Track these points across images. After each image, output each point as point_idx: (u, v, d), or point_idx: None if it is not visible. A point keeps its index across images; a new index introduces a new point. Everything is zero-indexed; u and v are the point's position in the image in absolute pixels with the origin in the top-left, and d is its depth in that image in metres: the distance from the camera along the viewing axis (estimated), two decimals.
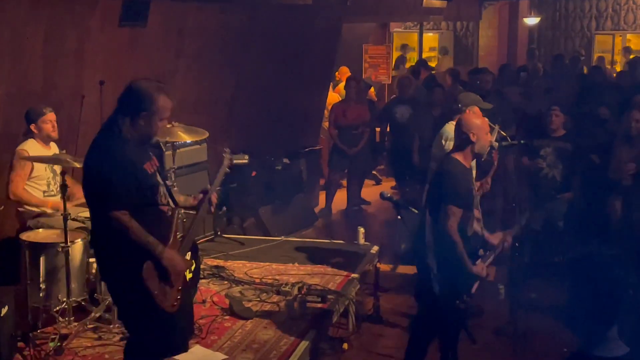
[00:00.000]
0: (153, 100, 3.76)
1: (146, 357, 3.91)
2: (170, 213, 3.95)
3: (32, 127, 5.62)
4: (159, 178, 3.92)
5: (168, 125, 6.11)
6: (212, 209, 4.26)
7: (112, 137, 3.77)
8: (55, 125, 5.69)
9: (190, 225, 4.17)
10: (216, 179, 4.32)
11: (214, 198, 4.18)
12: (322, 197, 9.93)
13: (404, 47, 16.03)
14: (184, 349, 4.06)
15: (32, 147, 5.58)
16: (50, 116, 5.67)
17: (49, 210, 5.61)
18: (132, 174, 3.72)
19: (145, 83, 3.85)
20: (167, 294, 3.80)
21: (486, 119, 4.74)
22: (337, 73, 12.23)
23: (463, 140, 4.56)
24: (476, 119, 4.66)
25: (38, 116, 5.62)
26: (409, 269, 6.63)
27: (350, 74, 11.71)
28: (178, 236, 4.00)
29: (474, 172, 5.28)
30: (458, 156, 4.57)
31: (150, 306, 3.75)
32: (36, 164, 5.58)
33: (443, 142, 6.19)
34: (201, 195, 4.17)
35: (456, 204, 4.41)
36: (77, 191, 5.63)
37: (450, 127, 6.06)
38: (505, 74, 11.64)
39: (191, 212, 4.34)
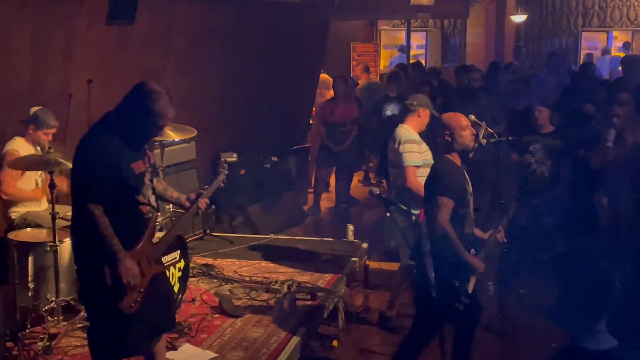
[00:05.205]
0: (154, 102, 3.76)
1: (101, 344, 3.92)
2: (149, 215, 3.94)
3: (31, 128, 5.57)
4: (147, 179, 3.91)
5: None
6: (199, 213, 4.31)
7: (102, 131, 3.79)
8: (51, 139, 5.66)
9: (171, 227, 4.20)
10: (210, 188, 4.40)
11: (203, 204, 4.22)
12: (311, 195, 9.93)
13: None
14: (146, 349, 4.06)
15: (21, 146, 5.55)
16: (53, 131, 5.64)
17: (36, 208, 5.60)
18: (114, 170, 3.71)
19: (153, 85, 3.84)
20: (126, 294, 3.79)
21: (461, 115, 4.73)
22: None
23: (443, 141, 4.62)
24: (449, 118, 4.69)
25: (45, 126, 5.57)
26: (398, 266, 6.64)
27: None
28: (154, 240, 4.02)
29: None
30: (448, 155, 4.64)
31: (107, 301, 3.78)
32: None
33: (396, 146, 5.85)
34: (194, 197, 4.21)
35: (447, 196, 4.44)
36: (64, 186, 5.62)
37: (400, 130, 5.85)
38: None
39: (180, 210, 4.38)
